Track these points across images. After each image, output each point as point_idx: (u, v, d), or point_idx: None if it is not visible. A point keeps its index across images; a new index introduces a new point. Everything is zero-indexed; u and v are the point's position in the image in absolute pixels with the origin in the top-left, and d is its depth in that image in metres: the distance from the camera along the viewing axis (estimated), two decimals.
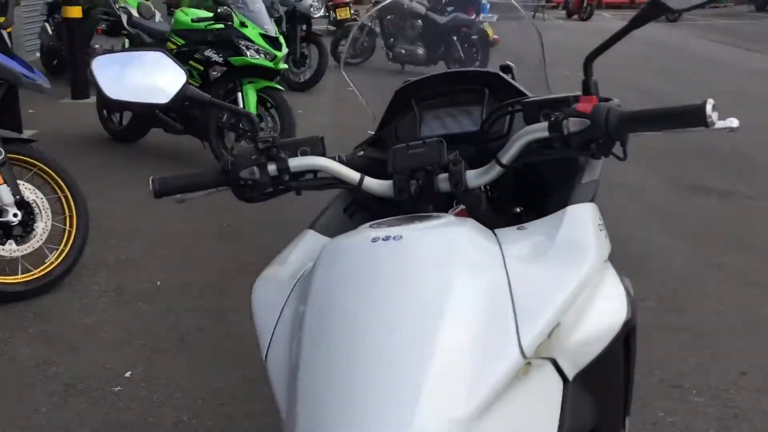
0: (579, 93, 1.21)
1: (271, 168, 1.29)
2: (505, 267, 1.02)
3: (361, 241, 1.07)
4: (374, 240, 1.05)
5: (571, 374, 1.05)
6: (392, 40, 10.20)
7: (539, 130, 1.19)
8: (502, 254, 1.04)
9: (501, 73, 1.49)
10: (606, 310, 1.12)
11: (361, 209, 1.44)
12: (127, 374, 2.81)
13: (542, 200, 1.36)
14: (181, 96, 1.33)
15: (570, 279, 1.01)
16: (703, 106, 1.05)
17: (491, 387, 0.90)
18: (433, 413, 0.86)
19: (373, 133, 1.57)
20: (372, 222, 1.17)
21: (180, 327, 3.19)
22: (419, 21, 10.03)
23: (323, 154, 1.35)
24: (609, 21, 20.61)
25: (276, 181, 1.30)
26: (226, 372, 2.84)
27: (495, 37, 9.81)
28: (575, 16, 20.71)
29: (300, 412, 0.93)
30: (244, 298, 3.45)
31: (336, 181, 1.32)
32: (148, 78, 1.34)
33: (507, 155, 1.23)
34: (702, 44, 14.25)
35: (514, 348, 0.93)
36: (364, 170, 1.34)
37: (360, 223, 1.42)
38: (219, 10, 5.30)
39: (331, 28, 12.24)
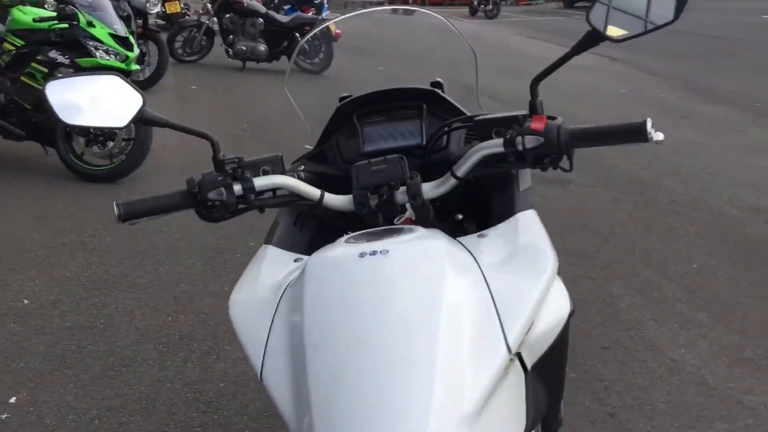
0: (525, 112, 1.34)
1: (237, 188, 1.32)
2: (482, 273, 1.13)
3: (349, 256, 1.14)
4: (362, 255, 1.13)
5: (529, 365, 1.18)
6: (232, 37, 10.10)
7: (494, 146, 1.31)
8: (476, 262, 1.16)
9: (438, 91, 1.60)
10: (555, 304, 1.26)
11: (309, 222, 1.51)
12: (12, 400, 2.68)
13: (480, 207, 1.48)
14: (137, 119, 1.34)
15: (540, 280, 1.14)
16: (644, 123, 1.21)
17: (488, 383, 1.01)
18: (445, 413, 0.95)
19: (311, 147, 1.63)
20: (348, 236, 1.25)
21: (59, 346, 3.05)
22: (260, 19, 10.00)
23: (283, 172, 1.40)
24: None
25: (241, 200, 1.33)
26: (118, 389, 2.77)
27: (337, 31, 10.04)
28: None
29: (316, 420, 0.99)
30: (121, 312, 3.37)
31: (297, 198, 1.37)
32: (104, 102, 1.34)
33: (462, 168, 1.34)
34: (520, 40, 15.19)
35: (502, 346, 1.05)
36: (313, 185, 1.40)
37: (310, 235, 1.49)
38: (47, 9, 5.03)
39: (161, 22, 11.85)
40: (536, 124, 1.28)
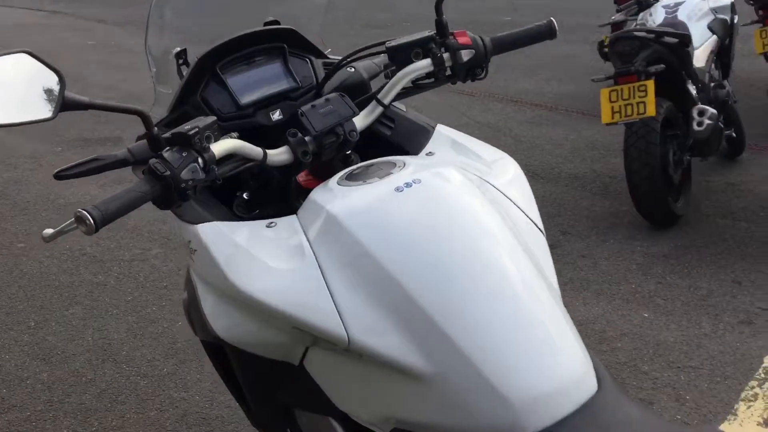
0: (430, 32, 1.43)
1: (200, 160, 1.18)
2: (489, 183, 1.27)
3: (385, 194, 1.16)
4: (398, 189, 1.16)
5: None
6: None
7: (422, 67, 1.41)
8: (477, 175, 1.28)
9: (295, 30, 1.55)
10: None
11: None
12: None
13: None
14: (61, 103, 1.11)
15: (522, 174, 1.34)
16: (551, 23, 1.47)
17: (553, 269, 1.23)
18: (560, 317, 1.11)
19: (167, 113, 1.47)
20: (339, 178, 1.25)
21: None
22: None
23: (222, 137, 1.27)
24: None
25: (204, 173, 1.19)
26: None
27: None
28: None
29: (466, 347, 1.02)
30: None
31: (245, 161, 1.27)
32: (21, 89, 1.09)
33: (389, 95, 1.41)
34: None
35: (542, 235, 1.26)
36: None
37: (216, 199, 1.38)
38: None
39: None
40: (463, 39, 1.42)
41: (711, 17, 3.88)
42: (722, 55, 4.04)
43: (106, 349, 2.86)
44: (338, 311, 1.09)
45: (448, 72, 1.45)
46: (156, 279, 3.35)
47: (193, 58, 1.52)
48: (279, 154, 1.32)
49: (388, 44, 1.45)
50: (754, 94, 4.89)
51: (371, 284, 1.10)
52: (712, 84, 3.80)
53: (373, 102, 1.43)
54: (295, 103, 1.47)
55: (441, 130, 1.46)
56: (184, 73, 1.51)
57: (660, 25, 3.69)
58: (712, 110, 3.40)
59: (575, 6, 7.49)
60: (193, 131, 1.17)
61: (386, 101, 1.43)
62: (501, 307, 1.06)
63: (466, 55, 1.43)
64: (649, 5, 3.97)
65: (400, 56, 1.44)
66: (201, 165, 1.17)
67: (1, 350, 2.90)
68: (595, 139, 4.64)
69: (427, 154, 1.40)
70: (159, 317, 3.05)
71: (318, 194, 1.25)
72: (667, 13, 3.79)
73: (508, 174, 1.33)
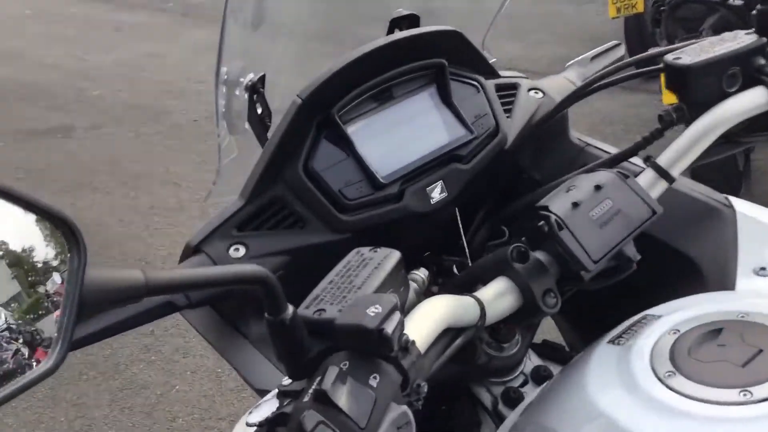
0: (749, 32, 0.84)
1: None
2: None
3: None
4: None
5: None
6: None
7: (755, 104, 0.82)
8: None
9: (461, 33, 0.90)
10: None
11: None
12: None
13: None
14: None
15: None
16: None
17: None
18: None
19: (243, 199, 0.82)
20: (647, 362, 0.63)
21: None
22: None
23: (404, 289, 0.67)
24: None
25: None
26: None
27: None
28: None
29: None
30: None
31: (459, 331, 0.69)
32: None
33: (683, 160, 0.81)
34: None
35: None
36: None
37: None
38: None
39: None
40: None
41: None
42: None
43: None
44: None
45: None
46: None
47: (274, 94, 0.90)
48: (497, 299, 0.71)
49: (674, 60, 0.82)
50: None
51: None
52: None
53: (650, 173, 0.81)
54: (466, 167, 0.87)
55: (743, 209, 0.86)
56: (269, 123, 0.91)
57: None
58: None
59: None
60: (391, 323, 0.55)
61: (675, 172, 0.82)
62: None
63: None
64: None
65: (702, 83, 0.82)
66: (410, 400, 0.59)
67: None
68: (611, 113, 4.09)
69: (757, 272, 0.80)
70: None
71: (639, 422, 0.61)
72: None
73: None
